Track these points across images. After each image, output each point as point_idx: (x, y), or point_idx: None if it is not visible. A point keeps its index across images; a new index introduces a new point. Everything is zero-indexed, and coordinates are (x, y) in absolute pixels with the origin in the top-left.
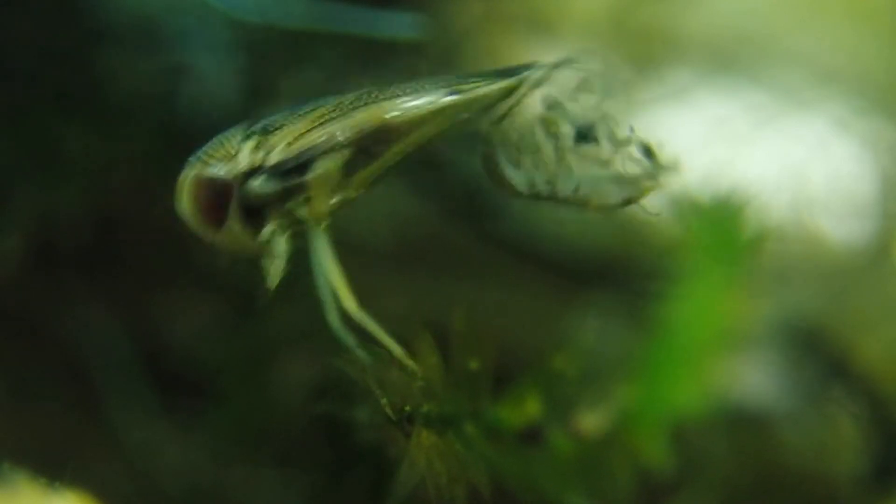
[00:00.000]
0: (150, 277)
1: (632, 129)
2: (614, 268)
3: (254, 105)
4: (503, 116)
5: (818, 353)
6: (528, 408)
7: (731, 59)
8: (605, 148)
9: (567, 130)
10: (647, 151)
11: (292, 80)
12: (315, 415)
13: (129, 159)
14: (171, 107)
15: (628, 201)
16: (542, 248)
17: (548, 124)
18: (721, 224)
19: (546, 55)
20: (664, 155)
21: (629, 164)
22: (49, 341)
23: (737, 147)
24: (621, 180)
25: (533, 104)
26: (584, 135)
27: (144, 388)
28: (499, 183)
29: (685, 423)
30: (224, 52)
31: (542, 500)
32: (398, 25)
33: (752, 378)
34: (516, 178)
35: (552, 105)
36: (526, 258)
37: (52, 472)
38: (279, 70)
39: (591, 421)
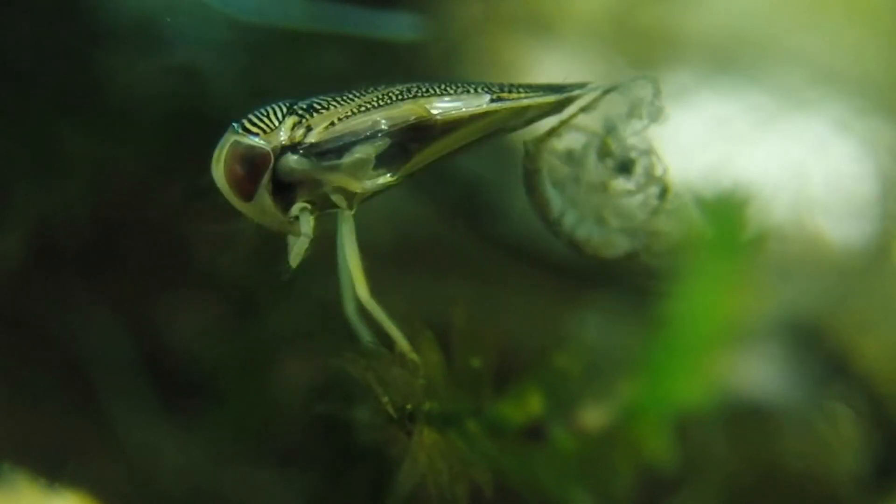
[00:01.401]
0: (150, 278)
1: (665, 170)
2: (615, 266)
3: (253, 105)
4: (550, 133)
5: (818, 352)
6: (531, 405)
7: (731, 60)
8: (633, 184)
9: (613, 157)
10: (663, 193)
11: (292, 81)
12: (315, 415)
13: (129, 159)
14: (171, 107)
15: (630, 255)
16: (541, 247)
17: (603, 149)
18: (723, 221)
19: (545, 55)
20: (675, 201)
21: (644, 205)
22: (49, 341)
23: (737, 147)
24: (630, 232)
25: (583, 124)
26: (625, 166)
27: (144, 388)
28: (536, 201)
29: (687, 420)
30: (224, 53)
31: (545, 497)
32: (398, 26)
33: (753, 376)
34: (554, 199)
35: (611, 129)
36: (526, 258)
37: (52, 472)
38: (279, 70)
39: (594, 418)
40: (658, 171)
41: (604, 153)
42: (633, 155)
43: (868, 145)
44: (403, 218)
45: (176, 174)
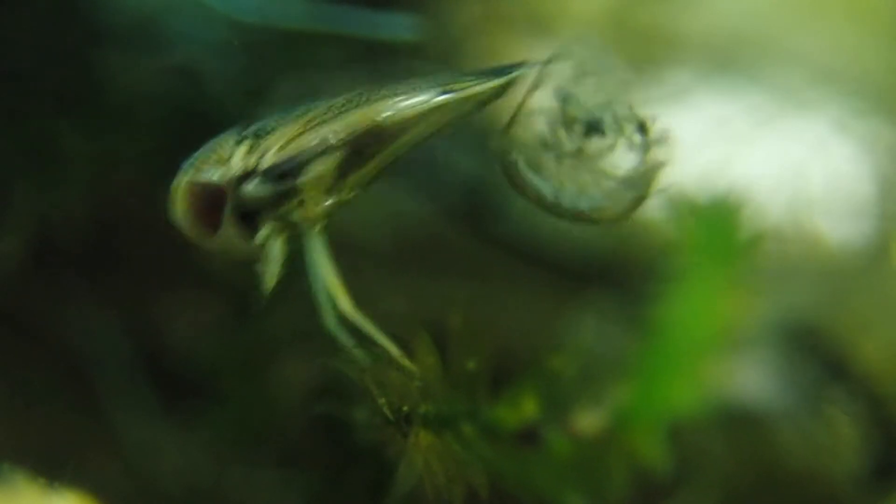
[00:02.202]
0: (149, 278)
1: (630, 107)
2: (612, 268)
3: (253, 105)
4: (511, 123)
5: (817, 353)
6: (526, 408)
7: (730, 60)
8: (610, 136)
9: (579, 122)
10: (643, 128)
11: (291, 81)
12: (314, 415)
13: (129, 159)
14: (171, 107)
15: (639, 200)
16: (540, 248)
17: (566, 118)
18: (718, 224)
19: (545, 55)
20: (655, 130)
21: (630, 148)
22: (49, 341)
23: (736, 147)
24: (627, 181)
25: (538, 104)
26: (594, 125)
27: (144, 388)
28: (524, 192)
29: (682, 423)
30: (223, 53)
31: (540, 500)
32: (397, 26)
33: (751, 378)
34: (541, 185)
35: (565, 98)
36: (524, 258)
37: (52, 472)
38: (278, 70)
39: (589, 421)
40: (625, 113)
41: (569, 122)
42: (596, 113)
43: (867, 146)
44: (403, 218)
45: (176, 174)
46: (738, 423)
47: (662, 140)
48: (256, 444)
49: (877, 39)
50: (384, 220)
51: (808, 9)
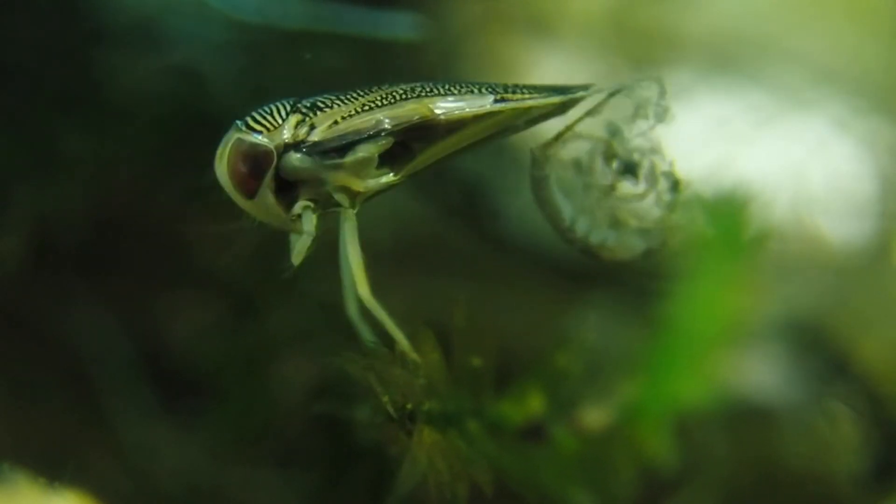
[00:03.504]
0: (149, 277)
1: (671, 164)
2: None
3: (253, 105)
4: (556, 139)
5: (818, 351)
6: (531, 404)
7: (731, 60)
8: (642, 184)
9: (619, 160)
10: (675, 187)
11: (292, 81)
12: (315, 414)
13: (129, 159)
14: (171, 107)
15: (648, 253)
16: (541, 247)
17: (608, 152)
18: (723, 221)
19: (545, 55)
20: (687, 194)
21: (657, 202)
22: (49, 341)
23: (737, 147)
24: (644, 233)
25: (588, 129)
26: (630, 168)
27: (144, 388)
28: (543, 208)
29: (688, 420)
30: (224, 53)
31: (545, 496)
32: (398, 25)
33: (753, 375)
34: (563, 206)
35: (614, 132)
36: (526, 257)
37: (53, 471)
38: (279, 70)
39: (594, 418)
40: (664, 168)
41: (608, 156)
42: (636, 156)
43: (867, 145)
44: (404, 217)
45: (176, 174)
46: (740, 420)
47: (690, 205)
48: (256, 444)
49: (877, 39)
50: (385, 219)
51: (808, 9)
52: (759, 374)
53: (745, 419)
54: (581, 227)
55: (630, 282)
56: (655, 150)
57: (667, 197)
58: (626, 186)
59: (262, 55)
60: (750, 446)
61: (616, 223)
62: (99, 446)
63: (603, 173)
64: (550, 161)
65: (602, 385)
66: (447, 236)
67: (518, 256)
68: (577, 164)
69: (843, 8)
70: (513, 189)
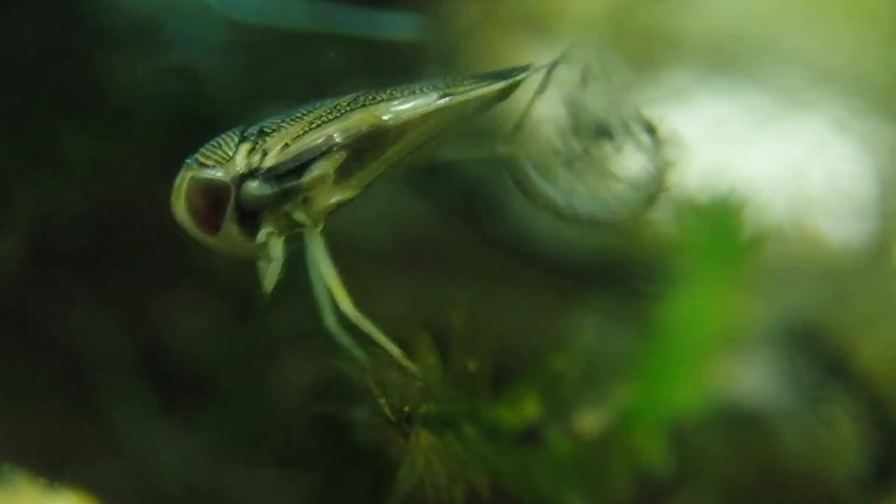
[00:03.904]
0: (149, 278)
1: (636, 108)
2: (613, 268)
3: (253, 106)
4: (516, 129)
5: (817, 353)
6: (527, 408)
7: (730, 60)
8: (618, 138)
9: (588, 127)
10: (650, 130)
11: (292, 81)
12: (314, 415)
13: (129, 159)
14: (171, 107)
15: (651, 199)
16: (540, 248)
17: (574, 123)
18: (720, 224)
19: (545, 55)
20: (663, 129)
21: (638, 148)
22: (49, 341)
23: (736, 147)
24: (638, 182)
25: (544, 109)
26: (602, 129)
27: (144, 388)
28: (537, 200)
29: (684, 423)
30: (223, 53)
31: (541, 500)
32: (397, 26)
33: (751, 378)
34: (553, 192)
35: (571, 102)
36: (524, 258)
37: (52, 471)
38: (278, 71)
39: (590, 421)
40: (631, 114)
41: (577, 127)
42: (603, 116)
43: (867, 145)
44: (402, 218)
45: (176, 174)
46: (738, 422)
47: (670, 139)
48: (256, 444)
49: (876, 39)
50: (383, 219)
51: (807, 9)
52: (758, 376)
53: (743, 422)
54: (579, 203)
55: (628, 284)
56: (618, 105)
57: (645, 139)
58: (605, 147)
59: (263, 56)
60: (748, 449)
61: (609, 186)
62: (99, 446)
63: (577, 144)
64: (522, 152)
65: (598, 389)
66: (446, 237)
67: (517, 257)
68: (550, 145)
69: (843, 8)
70: (512, 190)
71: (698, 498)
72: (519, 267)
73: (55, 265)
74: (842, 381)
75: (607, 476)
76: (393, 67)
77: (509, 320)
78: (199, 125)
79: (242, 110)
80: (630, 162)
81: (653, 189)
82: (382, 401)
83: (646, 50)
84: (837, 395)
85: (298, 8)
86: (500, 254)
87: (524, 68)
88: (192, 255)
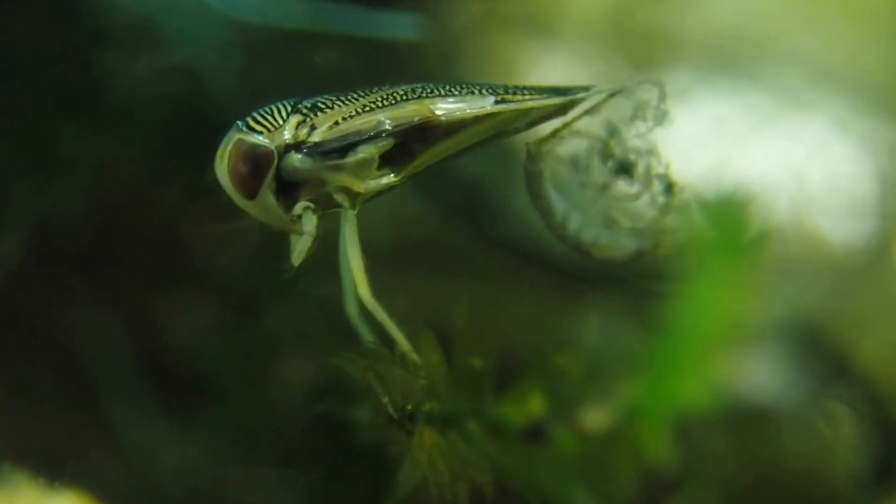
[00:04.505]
0: (149, 278)
1: (667, 166)
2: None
3: (253, 105)
4: (553, 136)
5: (818, 352)
6: (532, 405)
7: (730, 60)
8: (637, 185)
9: (615, 160)
10: (669, 189)
11: (292, 81)
12: (315, 414)
13: (129, 159)
14: (171, 107)
15: (639, 254)
16: (542, 247)
17: (605, 151)
18: (724, 222)
19: (545, 55)
20: (682, 196)
21: (651, 203)
22: (49, 341)
23: (736, 147)
24: (636, 233)
25: (586, 127)
26: (626, 168)
27: (144, 388)
28: (537, 203)
29: (688, 421)
30: (223, 53)
31: (546, 497)
32: (398, 25)
33: (753, 376)
34: (557, 203)
35: (612, 132)
36: (526, 258)
37: (52, 471)
38: (279, 70)
39: (595, 418)
40: (660, 170)
41: (605, 156)
42: (633, 157)
43: (867, 145)
44: (404, 218)
45: (176, 174)
46: (740, 421)
47: (685, 206)
48: (256, 443)
49: (876, 39)
50: (385, 219)
51: (807, 9)
52: (760, 374)
53: (746, 420)
54: (573, 223)
55: (631, 283)
56: (652, 152)
57: (661, 199)
58: (621, 186)
59: (262, 55)
60: (750, 447)
61: (609, 222)
62: (99, 446)
63: (598, 172)
64: (546, 156)
65: (602, 386)
66: (447, 237)
67: (518, 257)
68: (573, 162)
69: (843, 8)
70: (513, 190)
71: (700, 496)
72: (520, 266)
73: (55, 265)
74: (842, 381)
75: (612, 473)
76: (393, 67)
77: (511, 319)
78: (200, 125)
79: (242, 110)
80: (638, 211)
81: (647, 244)
82: (386, 399)
83: (646, 50)
84: (838, 394)
85: (299, 7)
86: (501, 253)
87: (585, 88)
88: (192, 255)
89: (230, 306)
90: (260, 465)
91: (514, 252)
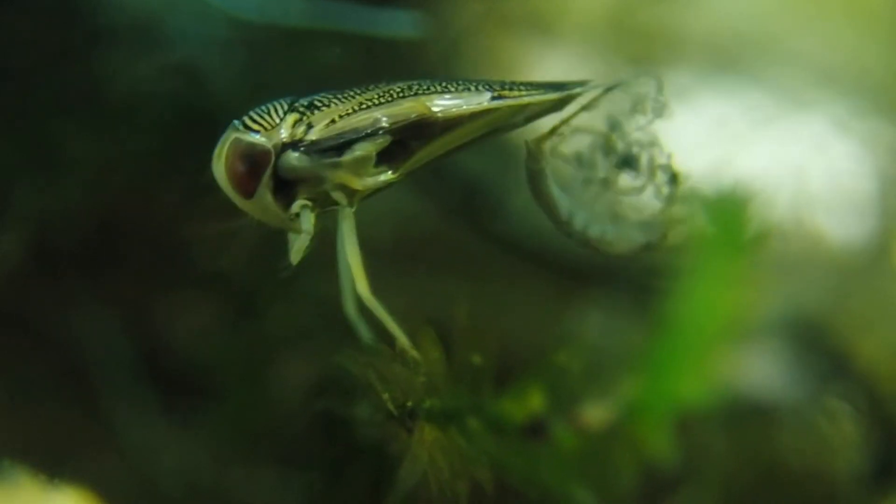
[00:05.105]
0: (150, 278)
1: (669, 157)
2: (617, 263)
3: (254, 104)
4: (552, 132)
5: (818, 350)
6: (532, 402)
7: (731, 60)
8: (640, 178)
9: (618, 153)
10: (673, 179)
11: (292, 79)
12: (315, 413)
13: (130, 159)
14: (172, 106)
15: (646, 247)
16: (542, 244)
17: (607, 146)
18: (724, 219)
19: (545, 54)
20: (686, 186)
21: (656, 195)
22: (49, 341)
23: (737, 147)
24: (642, 226)
25: (586, 123)
26: (629, 161)
27: (144, 388)
28: (540, 201)
29: (688, 418)
30: (224, 51)
31: (546, 494)
32: (398, 24)
33: (754, 374)
34: (560, 199)
35: (614, 125)
36: (527, 255)
37: (53, 468)
38: (279, 68)
39: (595, 415)
40: (662, 161)
41: (607, 150)
42: (635, 150)
43: (867, 145)
44: (403, 216)
45: (176, 174)
46: (741, 418)
47: (690, 196)
48: (256, 443)
49: (876, 40)
50: (384, 217)
51: (807, 9)
52: (760, 372)
53: (746, 417)
54: (579, 220)
55: (631, 279)
56: (654, 144)
57: (665, 190)
58: (625, 180)
59: (263, 54)
60: (750, 444)
61: (615, 216)
62: (99, 445)
63: (601, 166)
64: (547, 154)
65: (603, 382)
66: (447, 234)
67: (519, 254)
68: (576, 158)
69: (842, 8)
70: (513, 187)
71: (700, 494)
72: (520, 263)
73: (55, 265)
74: (843, 379)
75: (612, 470)
76: (394, 65)
77: (511, 316)
78: (200, 123)
79: (242, 109)
80: (644, 203)
81: (653, 236)
82: (386, 396)
83: (647, 49)
84: (838, 393)
85: (299, 5)
86: (501, 250)
87: (582, 83)
88: (192, 255)
89: (230, 305)
90: (260, 464)
91: (513, 249)
